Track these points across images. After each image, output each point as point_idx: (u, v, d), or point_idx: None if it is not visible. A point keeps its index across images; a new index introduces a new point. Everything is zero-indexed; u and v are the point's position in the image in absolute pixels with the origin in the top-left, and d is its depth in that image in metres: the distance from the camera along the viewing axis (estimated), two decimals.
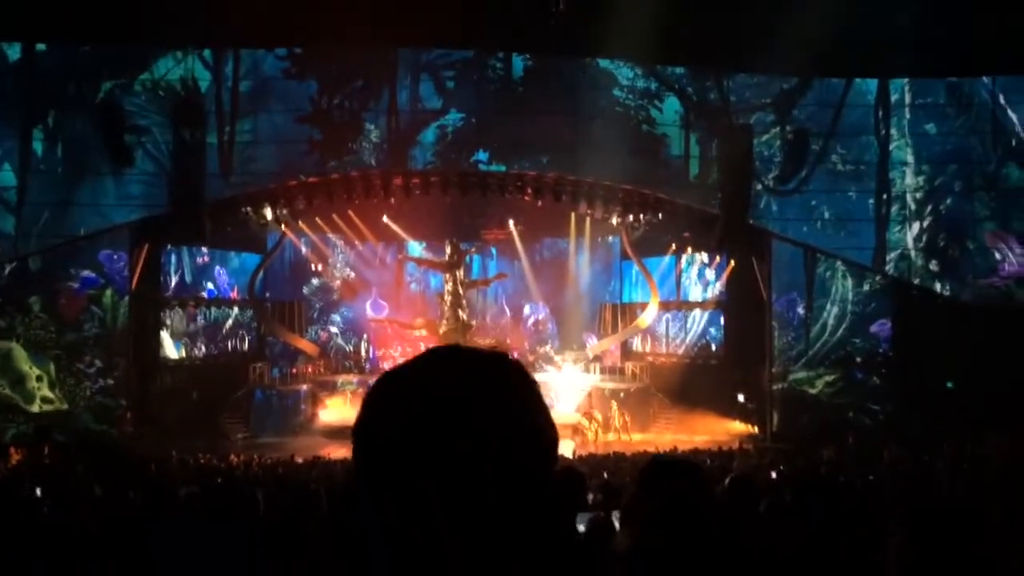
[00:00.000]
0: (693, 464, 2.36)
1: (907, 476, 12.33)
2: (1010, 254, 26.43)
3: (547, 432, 1.11)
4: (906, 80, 27.10)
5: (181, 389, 27.79)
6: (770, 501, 4.11)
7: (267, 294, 31.95)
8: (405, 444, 1.04)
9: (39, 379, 24.30)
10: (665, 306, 30.79)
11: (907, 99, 27.29)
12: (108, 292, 24.81)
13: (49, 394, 24.34)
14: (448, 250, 31.08)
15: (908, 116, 27.23)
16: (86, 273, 24.72)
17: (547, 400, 1.13)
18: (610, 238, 33.49)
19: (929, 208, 27.00)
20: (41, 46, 25.15)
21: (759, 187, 26.68)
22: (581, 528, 3.91)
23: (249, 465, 19.99)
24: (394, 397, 1.09)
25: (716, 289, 30.15)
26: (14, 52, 25.07)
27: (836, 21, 21.75)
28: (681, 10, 22.22)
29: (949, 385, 25.07)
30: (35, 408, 24.13)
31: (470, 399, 1.06)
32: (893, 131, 27.19)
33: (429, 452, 1.03)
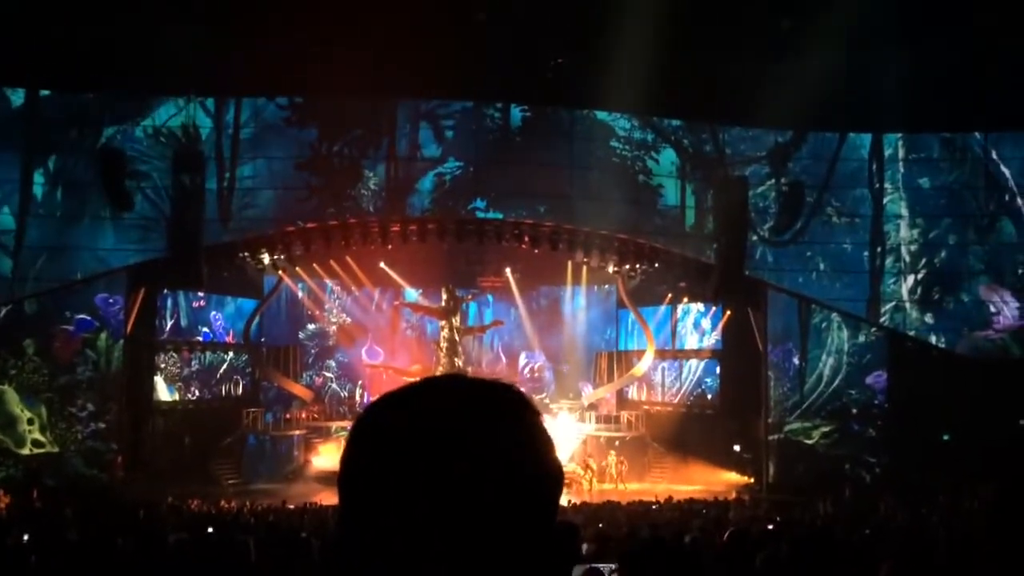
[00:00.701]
0: (675, 544, 2.27)
1: (902, 529, 12.24)
2: (1004, 307, 26.53)
3: (550, 464, 1.01)
4: (900, 135, 27.44)
5: (174, 433, 27.61)
6: (767, 554, 4.10)
7: (263, 339, 31.90)
8: (394, 476, 0.94)
9: (30, 422, 24.16)
10: (661, 355, 30.78)
11: (901, 153, 27.61)
12: (103, 335, 24.79)
13: (40, 437, 24.17)
14: (444, 297, 31.14)
15: (902, 170, 27.51)
16: (81, 316, 24.72)
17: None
18: (606, 287, 33.58)
19: (924, 261, 27.16)
20: (45, 92, 25.43)
21: (755, 238, 26.85)
22: None
23: (240, 511, 19.79)
24: (383, 427, 1.00)
25: (712, 338, 30.18)
26: (18, 98, 25.34)
27: (830, 76, 22.12)
28: (677, 63, 22.58)
29: (945, 437, 25.00)
30: (26, 451, 23.94)
31: (466, 427, 0.97)
32: (887, 184, 27.45)
33: (420, 482, 0.93)
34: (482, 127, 26.86)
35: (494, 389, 1.03)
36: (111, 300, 24.97)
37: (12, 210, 25.17)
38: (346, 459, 1.00)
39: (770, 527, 13.50)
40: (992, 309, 26.67)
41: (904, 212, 27.42)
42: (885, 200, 27.45)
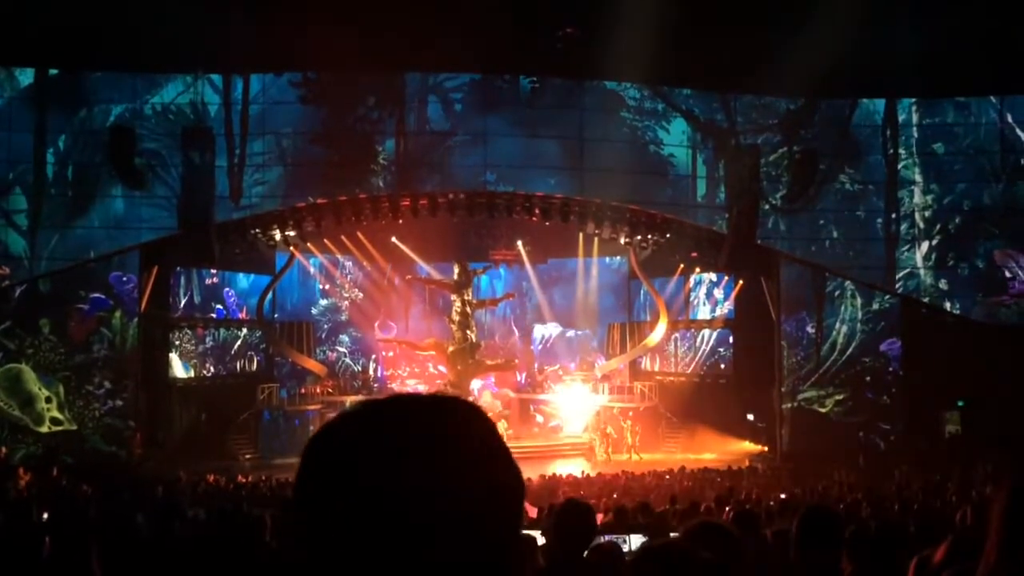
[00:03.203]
0: (685, 554, 2.15)
1: (918, 497, 12.25)
2: (1019, 272, 26.32)
3: (502, 476, 1.01)
4: (913, 100, 27.12)
5: (189, 410, 27.84)
6: (776, 530, 4.09)
7: (276, 315, 32.04)
8: (345, 490, 0.95)
9: (48, 400, 24.38)
10: (674, 325, 30.74)
11: (915, 119, 27.31)
12: (117, 314, 24.93)
13: (58, 415, 24.41)
14: (456, 270, 31.15)
15: (916, 135, 27.23)
16: (96, 295, 24.86)
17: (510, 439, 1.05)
18: (618, 258, 33.50)
19: (938, 227, 26.94)
20: (53, 71, 25.42)
21: (767, 206, 26.68)
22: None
23: (257, 486, 19.98)
24: (336, 444, 1.00)
25: (724, 308, 30.11)
26: (26, 77, 25.34)
27: (842, 42, 21.82)
28: (687, 32, 22.31)
29: (960, 404, 24.95)
30: (44, 429, 24.20)
31: (416, 441, 0.97)
32: (901, 151, 27.18)
33: (372, 495, 0.94)
34: (491, 100, 26.69)
35: (446, 403, 1.03)
36: (125, 278, 25.08)
37: (24, 190, 25.26)
38: (300, 475, 1.01)
39: (783, 496, 13.56)
40: (1007, 274, 26.47)
41: (918, 178, 27.17)
42: (899, 166, 27.20)
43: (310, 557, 0.97)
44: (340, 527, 0.95)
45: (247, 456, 27.07)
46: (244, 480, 21.26)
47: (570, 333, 35.37)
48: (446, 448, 0.98)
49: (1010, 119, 26.58)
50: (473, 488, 0.97)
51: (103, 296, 24.86)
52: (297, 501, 1.00)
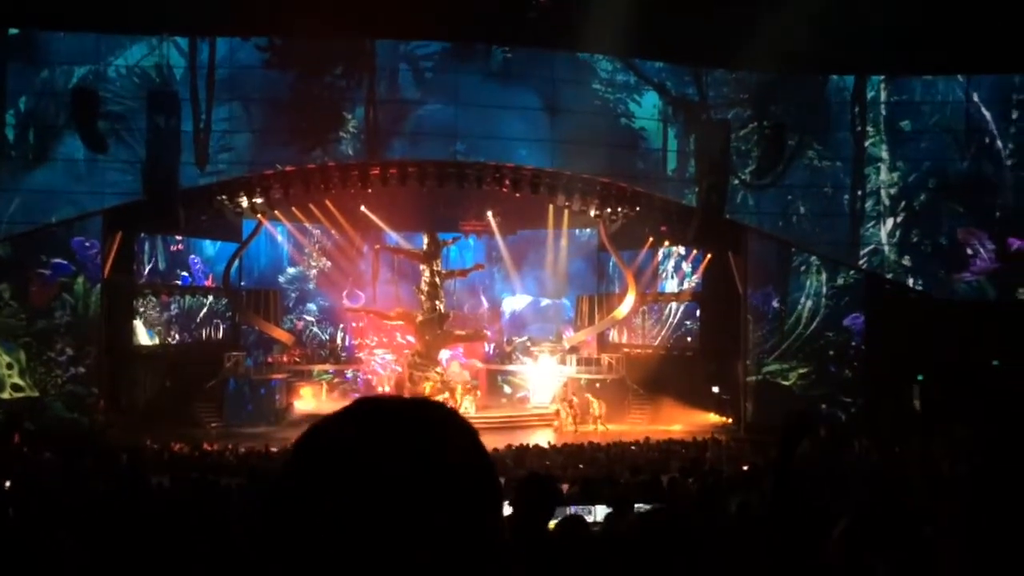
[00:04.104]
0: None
1: (876, 470, 12.50)
2: (981, 250, 26.75)
3: (479, 470, 1.06)
4: (882, 77, 27.31)
5: (154, 377, 27.62)
6: (740, 501, 4.16)
7: (242, 283, 31.76)
8: (326, 503, 0.99)
9: (9, 367, 24.05)
10: (642, 298, 30.94)
11: (883, 96, 27.51)
12: (80, 280, 24.57)
13: (19, 381, 24.10)
14: (425, 240, 31.03)
15: (884, 113, 27.45)
16: (58, 260, 24.46)
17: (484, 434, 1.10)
18: (588, 230, 33.56)
19: (903, 204, 27.25)
20: (13, 31, 24.77)
21: (736, 181, 26.82)
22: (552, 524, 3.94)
23: (223, 454, 19.93)
24: (316, 456, 1.04)
25: (692, 282, 30.35)
26: None
27: (813, 18, 21.86)
28: (660, 5, 22.24)
29: (919, 378, 25.40)
30: (5, 395, 23.89)
31: (398, 438, 1.03)
32: (869, 128, 27.39)
33: (346, 508, 0.98)
34: (462, 69, 26.46)
35: (423, 405, 1.10)
36: (87, 244, 24.69)
37: None
38: (295, 467, 1.05)
39: (745, 468, 13.77)
40: (969, 252, 26.89)
41: (885, 155, 27.42)
42: (867, 143, 27.43)
43: (295, 548, 1.00)
44: (332, 521, 0.99)
45: (213, 424, 26.95)
46: (210, 448, 21.19)
47: (540, 304, 35.45)
48: (433, 447, 1.04)
49: (976, 98, 26.87)
50: (459, 483, 1.02)
51: (65, 261, 24.46)
52: (288, 493, 1.03)
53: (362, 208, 30.42)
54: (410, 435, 1.04)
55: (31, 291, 24.30)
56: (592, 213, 29.36)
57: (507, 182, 27.49)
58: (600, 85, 27.35)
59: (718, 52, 25.36)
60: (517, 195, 28.33)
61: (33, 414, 23.48)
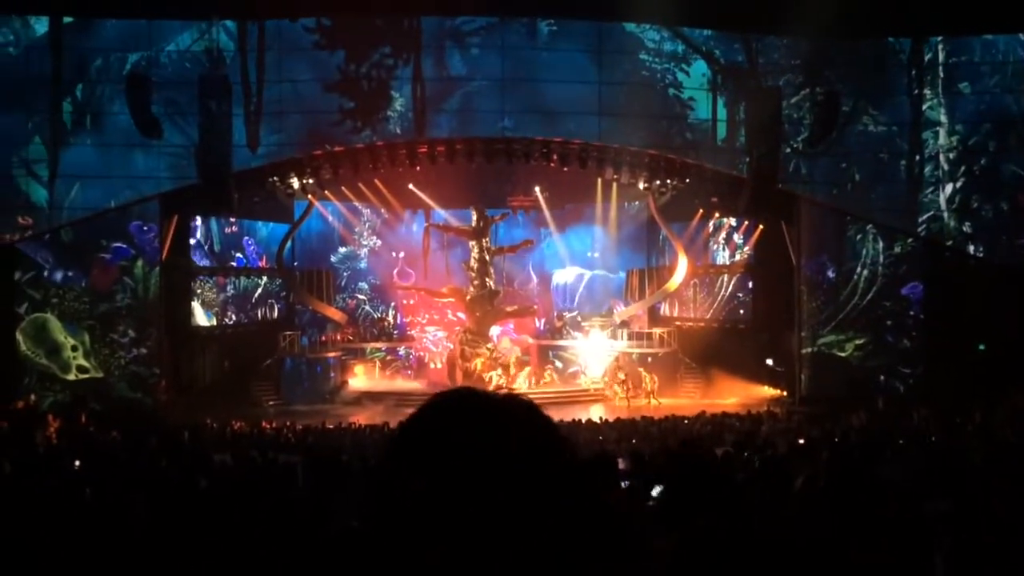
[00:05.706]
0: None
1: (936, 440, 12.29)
2: None
3: (565, 452, 1.19)
4: (940, 38, 26.50)
5: (212, 357, 28.19)
6: (807, 475, 4.13)
7: (295, 263, 32.18)
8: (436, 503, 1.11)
9: (74, 349, 24.72)
10: (693, 271, 30.62)
11: (941, 58, 26.73)
12: (139, 263, 25.10)
13: (84, 363, 24.76)
14: (474, 217, 31.06)
15: (942, 75, 26.68)
16: (118, 244, 25.02)
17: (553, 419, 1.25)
18: (637, 203, 33.29)
19: (962, 169, 26.54)
20: (68, 19, 25.26)
21: (788, 150, 26.33)
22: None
23: (281, 431, 20.31)
24: (419, 458, 1.16)
25: (744, 253, 29.95)
26: (41, 26, 25.22)
27: None
28: None
29: (980, 347, 24.82)
30: (71, 377, 24.58)
31: (506, 421, 1.17)
32: (927, 91, 26.67)
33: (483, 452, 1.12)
34: (508, 44, 26.34)
35: (513, 399, 1.25)
36: (145, 228, 25.19)
37: (43, 139, 25.28)
38: (398, 451, 1.19)
39: (801, 442, 13.60)
40: None
41: (943, 119, 26.70)
42: (924, 107, 26.71)
43: (394, 519, 1.13)
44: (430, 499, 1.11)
45: (271, 402, 27.46)
46: (268, 426, 21.61)
47: (589, 278, 35.32)
48: (550, 440, 1.19)
49: None
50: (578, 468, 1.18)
51: (124, 245, 25.01)
52: (390, 473, 1.17)
53: (410, 186, 30.55)
54: (531, 431, 1.18)
55: (93, 275, 24.90)
56: (641, 186, 29.09)
57: (555, 157, 27.34)
58: (647, 55, 27.03)
59: (769, 18, 24.85)
60: (565, 169, 28.18)
61: (98, 395, 24.15)
